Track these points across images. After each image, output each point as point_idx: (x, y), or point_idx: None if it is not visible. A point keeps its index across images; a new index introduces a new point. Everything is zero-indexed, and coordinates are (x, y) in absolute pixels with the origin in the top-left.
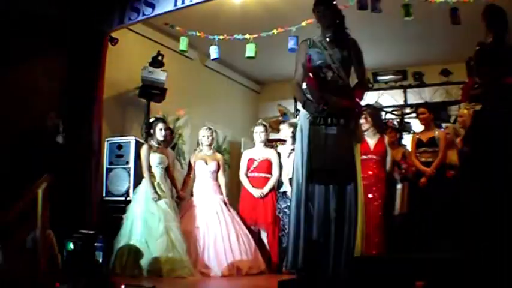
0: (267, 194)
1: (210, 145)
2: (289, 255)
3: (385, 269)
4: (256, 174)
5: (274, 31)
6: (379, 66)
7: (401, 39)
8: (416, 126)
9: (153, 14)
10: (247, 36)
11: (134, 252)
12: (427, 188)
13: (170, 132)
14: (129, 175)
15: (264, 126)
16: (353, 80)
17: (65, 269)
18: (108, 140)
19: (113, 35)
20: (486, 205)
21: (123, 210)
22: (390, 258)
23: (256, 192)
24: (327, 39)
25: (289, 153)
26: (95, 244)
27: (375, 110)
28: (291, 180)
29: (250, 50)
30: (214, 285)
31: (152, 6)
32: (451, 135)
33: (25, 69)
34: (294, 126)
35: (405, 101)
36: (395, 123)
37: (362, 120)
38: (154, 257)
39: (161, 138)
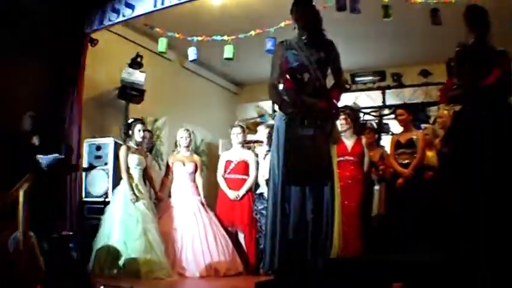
0: (244, 195)
1: (187, 146)
2: (266, 257)
3: (362, 271)
4: (233, 176)
5: (252, 32)
6: (358, 67)
7: (381, 40)
8: (395, 127)
9: (132, 15)
10: (225, 37)
11: (113, 254)
12: (405, 190)
13: (151, 136)
14: (108, 176)
15: (242, 127)
16: (330, 82)
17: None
18: (87, 141)
19: (93, 36)
20: (466, 206)
21: (102, 212)
22: (367, 260)
23: (232, 195)
24: (304, 40)
25: (265, 155)
26: (70, 245)
27: (353, 111)
28: (267, 181)
29: (228, 52)
30: (192, 286)
31: (132, 7)
32: (429, 136)
33: (5, 69)
34: (271, 127)
35: (383, 102)
36: (374, 124)
37: (341, 121)
38: (133, 258)
39: (139, 140)
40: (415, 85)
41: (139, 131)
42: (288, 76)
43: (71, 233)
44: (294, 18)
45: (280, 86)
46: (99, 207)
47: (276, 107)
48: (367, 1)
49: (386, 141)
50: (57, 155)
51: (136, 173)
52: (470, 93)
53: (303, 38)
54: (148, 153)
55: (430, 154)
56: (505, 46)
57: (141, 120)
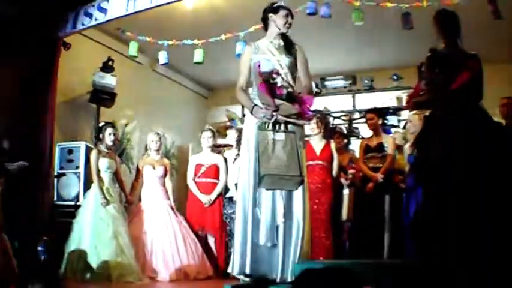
0: (215, 200)
1: (158, 150)
2: (236, 261)
3: (333, 274)
4: (203, 180)
5: (223, 36)
6: (329, 72)
7: (352, 44)
8: (365, 131)
9: (105, 19)
10: (196, 41)
11: (84, 257)
12: (375, 194)
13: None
14: (79, 180)
15: (212, 131)
16: (297, 86)
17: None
18: (59, 145)
19: (66, 39)
20: (437, 210)
21: (74, 215)
22: (338, 263)
23: (204, 199)
24: (274, 45)
25: (235, 159)
26: (39, 248)
27: (323, 116)
28: (236, 185)
29: (198, 56)
30: None
31: (104, 11)
32: (399, 140)
33: None
34: (240, 131)
35: (353, 106)
36: (343, 128)
37: (312, 126)
38: (104, 262)
39: (110, 143)
40: (386, 89)
41: (109, 134)
42: (261, 80)
43: (41, 236)
44: (269, 22)
45: (250, 90)
46: (71, 211)
47: (246, 111)
48: (338, 5)
49: (356, 145)
50: (22, 163)
51: (106, 176)
52: (439, 98)
53: (274, 42)
54: (118, 156)
55: (400, 158)
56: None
57: (111, 124)
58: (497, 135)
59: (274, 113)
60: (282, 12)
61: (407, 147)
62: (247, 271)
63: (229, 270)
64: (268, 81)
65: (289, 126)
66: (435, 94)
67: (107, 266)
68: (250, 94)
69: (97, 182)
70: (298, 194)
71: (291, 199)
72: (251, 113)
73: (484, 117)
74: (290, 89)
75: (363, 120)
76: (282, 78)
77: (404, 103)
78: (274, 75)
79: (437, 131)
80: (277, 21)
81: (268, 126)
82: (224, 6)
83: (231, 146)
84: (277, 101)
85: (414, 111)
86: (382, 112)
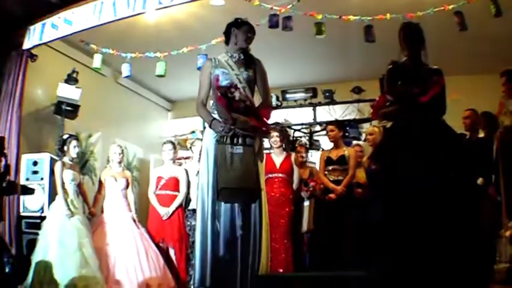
0: (173, 212)
1: (120, 162)
2: (197, 273)
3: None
4: (163, 192)
5: (184, 49)
6: (289, 84)
7: (313, 57)
8: (326, 144)
9: (71, 32)
10: (158, 54)
11: (50, 269)
12: (335, 206)
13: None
14: (44, 191)
15: (173, 144)
16: (256, 100)
17: None
18: (24, 156)
19: (32, 51)
20: (394, 222)
21: (39, 226)
22: (297, 276)
23: (162, 211)
24: (233, 59)
25: (198, 171)
26: (4, 259)
27: (283, 128)
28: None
29: (160, 68)
30: None
31: (70, 23)
32: (361, 153)
33: None
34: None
35: (314, 118)
36: (304, 140)
37: (275, 139)
38: (69, 274)
39: (74, 156)
40: (346, 102)
41: (74, 147)
42: (219, 94)
43: (6, 248)
44: (231, 36)
45: (210, 104)
46: (36, 222)
47: (206, 125)
48: (299, 18)
49: (316, 158)
50: None
51: (71, 188)
52: (403, 110)
53: (233, 56)
54: (80, 168)
55: (359, 171)
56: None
57: (75, 137)
58: (459, 148)
59: (232, 127)
60: (244, 28)
61: (364, 160)
62: (208, 283)
63: (191, 283)
64: (226, 95)
65: (247, 140)
66: (403, 105)
67: (73, 278)
68: (211, 107)
69: (62, 194)
70: (256, 207)
71: (249, 211)
72: (210, 126)
73: (448, 131)
74: (248, 103)
75: (324, 132)
76: (240, 93)
77: (366, 115)
78: (233, 89)
79: (397, 143)
80: (238, 35)
81: (226, 140)
82: (185, 19)
83: (191, 158)
84: (234, 115)
85: (374, 124)
86: (342, 124)
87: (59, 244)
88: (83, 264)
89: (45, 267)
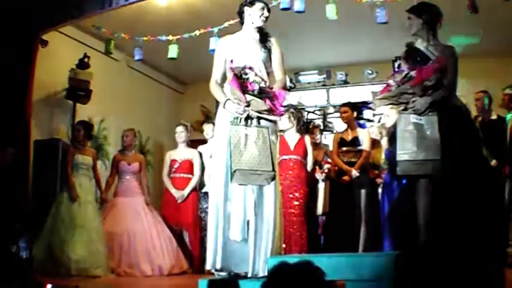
0: (188, 195)
1: (132, 146)
2: (209, 255)
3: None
4: (178, 175)
5: (197, 32)
6: (303, 66)
7: (326, 38)
8: (339, 126)
9: (81, 16)
10: (170, 37)
11: (53, 250)
12: (350, 187)
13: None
14: (56, 175)
15: (185, 126)
16: (271, 81)
17: None
18: (35, 142)
19: (43, 37)
20: (413, 206)
21: (48, 211)
22: (312, 257)
23: (177, 194)
24: (249, 39)
25: (212, 154)
26: (21, 244)
27: (297, 110)
28: None
29: (172, 51)
30: (136, 285)
31: (81, 8)
32: (375, 134)
33: None
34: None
35: (328, 100)
36: (318, 122)
37: (286, 120)
38: (76, 256)
39: (82, 140)
40: (360, 84)
41: (81, 132)
42: (233, 75)
43: (23, 232)
44: (244, 15)
45: (226, 85)
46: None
47: (220, 106)
48: (311, 0)
49: (330, 140)
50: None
51: (81, 172)
52: (417, 93)
53: (249, 36)
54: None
55: (375, 152)
56: None
57: (84, 122)
58: (468, 130)
59: (246, 108)
60: (258, 5)
61: (384, 142)
62: (218, 266)
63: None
64: (240, 77)
65: (262, 121)
66: (414, 89)
67: (79, 261)
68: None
69: (72, 178)
70: (269, 189)
71: (262, 194)
72: (224, 106)
73: (456, 112)
74: (262, 84)
75: (337, 114)
76: (255, 74)
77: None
78: (247, 70)
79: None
80: (252, 14)
81: (240, 121)
82: (198, 1)
83: (206, 140)
84: (248, 97)
85: (390, 106)
86: (356, 106)
87: (65, 227)
88: (89, 248)
89: (47, 249)
